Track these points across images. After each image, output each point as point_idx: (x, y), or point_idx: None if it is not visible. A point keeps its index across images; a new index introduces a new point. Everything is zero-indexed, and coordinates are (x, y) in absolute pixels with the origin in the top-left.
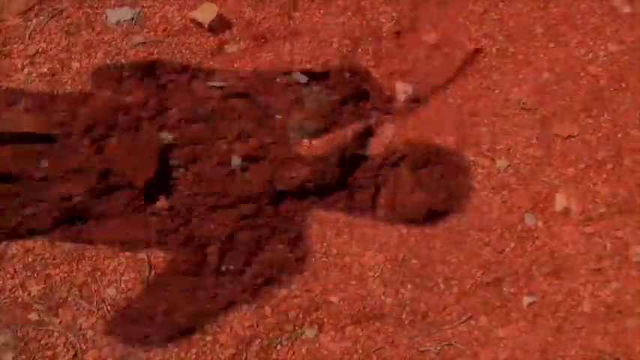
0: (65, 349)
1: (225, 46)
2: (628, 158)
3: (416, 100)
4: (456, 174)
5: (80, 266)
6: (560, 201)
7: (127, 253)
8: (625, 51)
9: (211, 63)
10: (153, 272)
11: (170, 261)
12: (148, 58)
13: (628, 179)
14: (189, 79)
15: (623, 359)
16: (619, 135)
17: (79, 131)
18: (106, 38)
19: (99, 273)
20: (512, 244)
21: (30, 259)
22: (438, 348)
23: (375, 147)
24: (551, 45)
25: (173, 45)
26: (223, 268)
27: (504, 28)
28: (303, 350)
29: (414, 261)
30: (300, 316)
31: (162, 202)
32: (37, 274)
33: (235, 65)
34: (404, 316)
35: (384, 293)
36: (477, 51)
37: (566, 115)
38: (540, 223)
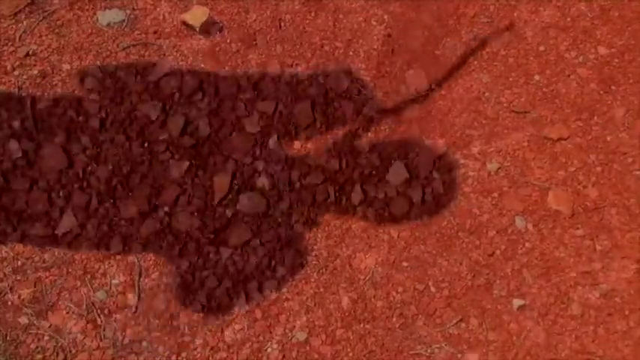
0: (55, 353)
1: (217, 49)
2: (617, 161)
3: (407, 102)
4: (447, 176)
5: (70, 270)
6: (550, 204)
7: (118, 257)
8: (615, 54)
9: (202, 65)
10: (143, 275)
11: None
12: (139, 60)
13: (617, 182)
14: None
15: None
16: (609, 138)
17: None
18: (96, 40)
19: (89, 276)
20: (503, 247)
21: (20, 263)
22: (429, 351)
23: (366, 148)
24: (542, 48)
25: (164, 47)
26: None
27: (495, 30)
28: (294, 354)
29: (405, 264)
30: (291, 319)
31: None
32: (27, 278)
33: (226, 67)
34: (394, 319)
35: (374, 296)
36: (468, 53)
37: (556, 118)
38: (531, 226)
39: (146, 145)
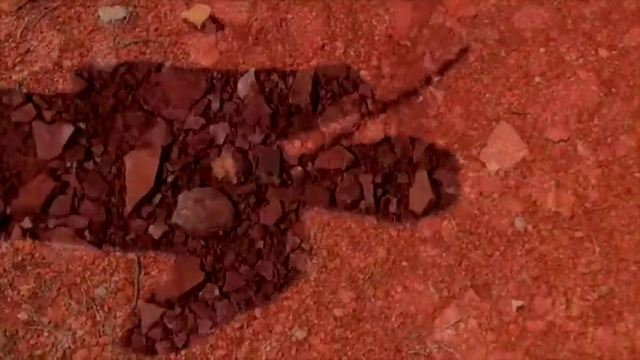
0: (54, 349)
1: (218, 47)
2: (617, 163)
3: (405, 103)
4: (446, 177)
5: (70, 266)
6: (550, 205)
7: (117, 254)
8: (615, 56)
9: (203, 63)
10: (143, 272)
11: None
12: (140, 57)
13: (618, 184)
14: None
15: None
16: (609, 140)
17: None
18: (97, 37)
19: (89, 273)
20: (502, 248)
21: (20, 258)
22: (428, 351)
23: (364, 147)
24: (542, 49)
25: (165, 45)
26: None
27: (495, 32)
28: (293, 352)
29: (404, 264)
30: (290, 317)
31: None
32: (27, 274)
33: (227, 66)
34: (394, 318)
35: (374, 296)
36: (467, 54)
37: (556, 120)
38: (530, 227)
39: None
